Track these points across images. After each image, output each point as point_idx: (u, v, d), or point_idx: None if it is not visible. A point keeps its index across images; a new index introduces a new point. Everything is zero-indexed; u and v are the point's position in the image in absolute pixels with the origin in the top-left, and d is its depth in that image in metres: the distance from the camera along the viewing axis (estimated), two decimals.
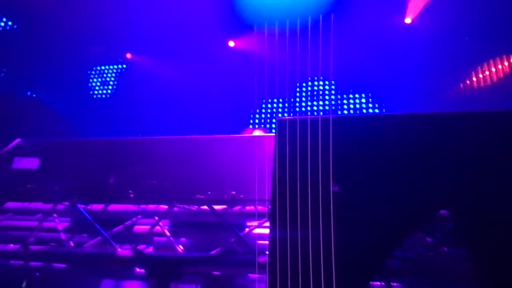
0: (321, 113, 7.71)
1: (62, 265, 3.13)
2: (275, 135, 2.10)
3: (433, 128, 2.03)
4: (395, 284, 2.56)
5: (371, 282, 2.17)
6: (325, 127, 1.98)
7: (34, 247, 3.07)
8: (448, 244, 2.16)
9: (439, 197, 1.99)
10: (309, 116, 2.04)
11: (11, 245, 3.12)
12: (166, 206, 2.93)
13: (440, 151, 1.99)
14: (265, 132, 5.07)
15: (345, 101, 7.77)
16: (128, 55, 9.00)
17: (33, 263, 3.24)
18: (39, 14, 7.63)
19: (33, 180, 3.14)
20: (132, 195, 2.90)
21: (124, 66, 9.16)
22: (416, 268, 2.23)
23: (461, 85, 7.29)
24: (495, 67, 6.90)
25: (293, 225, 1.98)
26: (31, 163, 3.18)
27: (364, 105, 7.67)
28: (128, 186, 2.93)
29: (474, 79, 7.07)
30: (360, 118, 2.10)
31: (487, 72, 6.99)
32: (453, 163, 1.97)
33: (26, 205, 3.35)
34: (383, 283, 2.54)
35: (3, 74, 8.04)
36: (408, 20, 7.47)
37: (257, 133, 5.11)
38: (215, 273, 3.08)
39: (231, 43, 8.43)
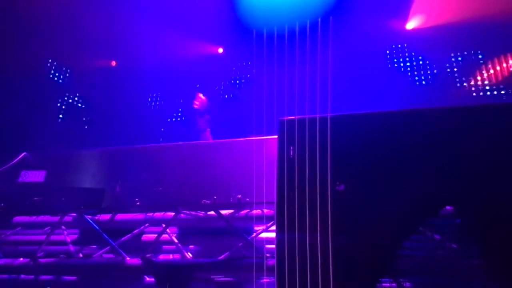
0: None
1: (73, 277, 3.13)
2: (278, 136, 2.09)
3: (438, 124, 2.01)
4: (407, 284, 2.53)
5: (380, 282, 2.14)
6: (329, 126, 1.97)
7: (43, 260, 3.08)
8: (457, 240, 2.14)
9: (445, 193, 1.97)
10: (313, 115, 2.02)
11: (21, 259, 3.14)
12: (172, 213, 2.94)
13: (444, 146, 1.98)
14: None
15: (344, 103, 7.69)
16: (113, 63, 8.88)
17: (43, 277, 3.24)
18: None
19: (40, 193, 3.16)
20: (138, 203, 2.91)
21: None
22: (426, 266, 2.20)
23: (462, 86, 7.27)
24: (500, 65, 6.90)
25: (300, 227, 1.97)
26: (37, 176, 3.20)
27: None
28: (134, 195, 2.93)
29: (479, 77, 7.06)
30: (364, 116, 2.08)
31: (491, 71, 6.97)
32: (458, 158, 1.95)
33: (33, 218, 3.37)
34: (393, 283, 2.51)
35: None
36: (410, 26, 7.46)
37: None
38: (225, 278, 3.07)
39: (220, 50, 8.46)
